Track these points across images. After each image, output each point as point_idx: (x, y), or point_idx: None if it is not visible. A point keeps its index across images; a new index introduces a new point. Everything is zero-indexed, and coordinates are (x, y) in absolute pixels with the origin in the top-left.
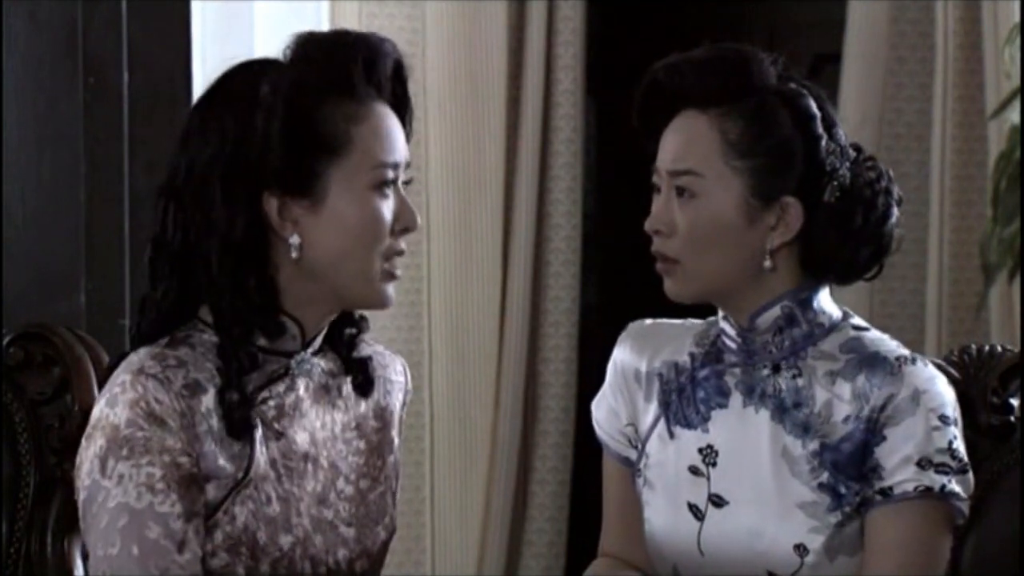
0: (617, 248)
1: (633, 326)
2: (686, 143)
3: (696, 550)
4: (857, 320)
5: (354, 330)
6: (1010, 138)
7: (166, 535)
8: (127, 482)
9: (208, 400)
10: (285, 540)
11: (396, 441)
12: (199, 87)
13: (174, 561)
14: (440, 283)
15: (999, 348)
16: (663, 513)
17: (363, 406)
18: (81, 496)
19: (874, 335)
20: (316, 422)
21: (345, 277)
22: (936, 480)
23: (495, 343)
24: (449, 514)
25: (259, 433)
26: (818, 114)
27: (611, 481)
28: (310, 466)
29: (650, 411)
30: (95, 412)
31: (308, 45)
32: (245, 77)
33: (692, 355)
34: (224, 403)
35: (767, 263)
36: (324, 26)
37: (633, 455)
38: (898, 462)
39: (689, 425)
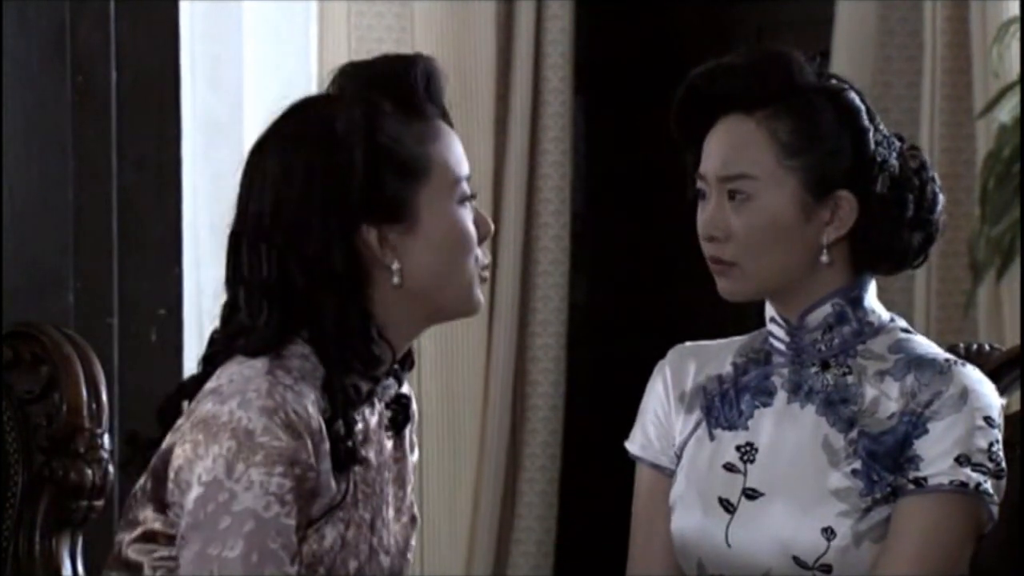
0: (606, 247)
1: (674, 350)
2: (736, 147)
3: (723, 542)
4: (903, 323)
5: (400, 367)
6: (998, 137)
7: (284, 546)
8: (257, 489)
9: (322, 421)
10: (352, 565)
11: (411, 465)
12: (187, 86)
13: (286, 573)
14: None
15: (987, 347)
16: (692, 509)
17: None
18: (193, 492)
19: (922, 339)
20: (383, 446)
21: (447, 292)
22: (972, 478)
23: (483, 342)
24: (438, 512)
25: None
26: (862, 107)
27: (643, 497)
28: (379, 490)
29: (691, 421)
30: (216, 410)
31: (360, 74)
32: (314, 116)
33: (735, 365)
34: (331, 435)
35: (824, 258)
36: (312, 26)
37: (675, 464)
38: (937, 455)
39: (731, 427)
